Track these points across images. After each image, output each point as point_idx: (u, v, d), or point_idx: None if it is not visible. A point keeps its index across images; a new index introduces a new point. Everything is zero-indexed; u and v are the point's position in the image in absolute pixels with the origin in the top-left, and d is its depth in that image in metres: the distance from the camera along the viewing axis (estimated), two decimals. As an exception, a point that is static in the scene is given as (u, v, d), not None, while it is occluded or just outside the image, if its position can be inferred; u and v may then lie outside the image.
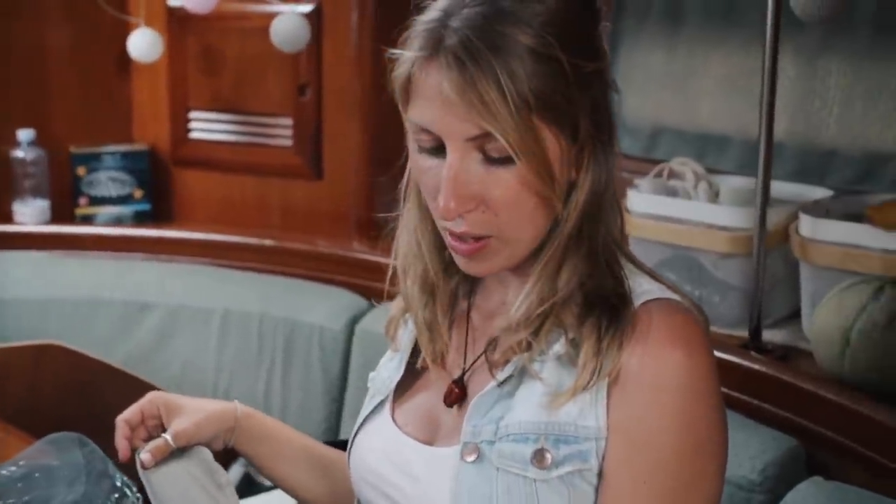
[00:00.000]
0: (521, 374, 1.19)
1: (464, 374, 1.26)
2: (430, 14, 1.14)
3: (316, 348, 2.42)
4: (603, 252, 1.18)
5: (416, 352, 1.32)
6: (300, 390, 2.44)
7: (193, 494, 1.34)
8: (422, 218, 1.26)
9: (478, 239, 1.15)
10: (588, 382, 1.13)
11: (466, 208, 1.13)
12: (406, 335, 1.35)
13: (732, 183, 2.16)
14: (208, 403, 1.43)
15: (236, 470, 2.17)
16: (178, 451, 1.37)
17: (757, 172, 1.87)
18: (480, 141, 1.11)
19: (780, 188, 2.04)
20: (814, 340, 1.77)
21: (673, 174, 2.18)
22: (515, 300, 1.20)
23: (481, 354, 1.25)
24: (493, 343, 1.22)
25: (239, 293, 2.55)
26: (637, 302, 1.17)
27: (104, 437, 1.45)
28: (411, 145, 1.19)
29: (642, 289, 1.18)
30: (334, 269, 2.58)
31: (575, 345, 1.16)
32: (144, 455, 1.35)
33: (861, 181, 2.16)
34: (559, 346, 1.17)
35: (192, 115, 2.82)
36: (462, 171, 1.12)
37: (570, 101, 1.11)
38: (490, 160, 1.12)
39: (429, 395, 1.29)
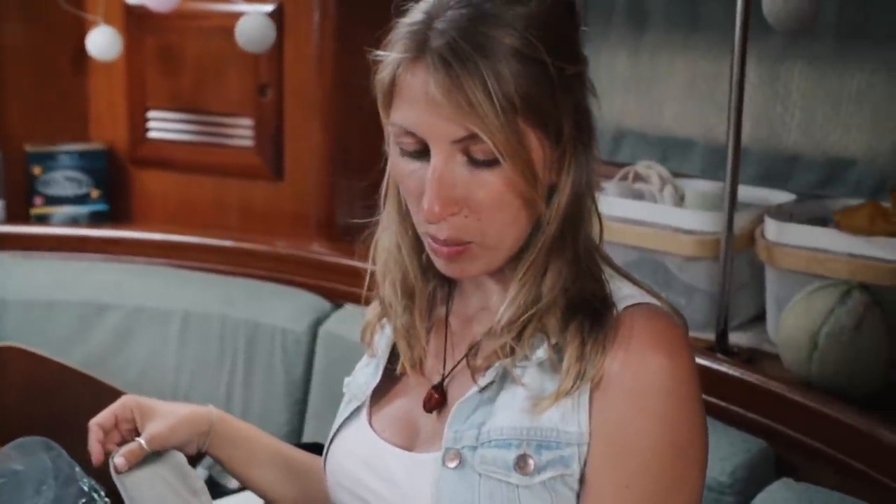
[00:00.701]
0: (503, 379, 1.18)
1: (443, 379, 1.26)
2: (414, 16, 1.14)
3: (278, 350, 2.40)
4: (584, 256, 1.18)
5: (393, 357, 1.32)
6: (262, 393, 2.42)
7: (168, 500, 1.33)
8: (401, 221, 1.26)
9: (459, 243, 1.15)
10: (571, 387, 1.13)
11: (451, 211, 1.12)
12: (383, 340, 1.34)
13: (698, 187, 2.18)
14: (182, 407, 1.42)
15: (200, 472, 2.14)
16: (153, 456, 1.35)
17: (722, 176, 1.88)
18: (465, 143, 1.10)
19: (743, 192, 2.05)
20: (781, 344, 1.78)
21: (638, 177, 2.20)
22: (496, 305, 1.20)
23: (462, 359, 1.24)
24: (474, 347, 1.22)
25: (199, 294, 2.52)
26: (619, 306, 1.17)
27: (66, 438, 1.43)
28: (392, 149, 1.18)
29: (623, 293, 1.19)
30: (295, 271, 2.56)
31: (557, 350, 1.16)
32: (118, 459, 1.33)
33: (823, 185, 2.18)
34: (542, 352, 1.16)
35: (151, 114, 2.79)
36: (447, 173, 1.11)
37: (555, 104, 1.11)
38: (475, 163, 1.11)
39: (407, 401, 1.28)
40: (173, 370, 2.50)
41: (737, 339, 1.96)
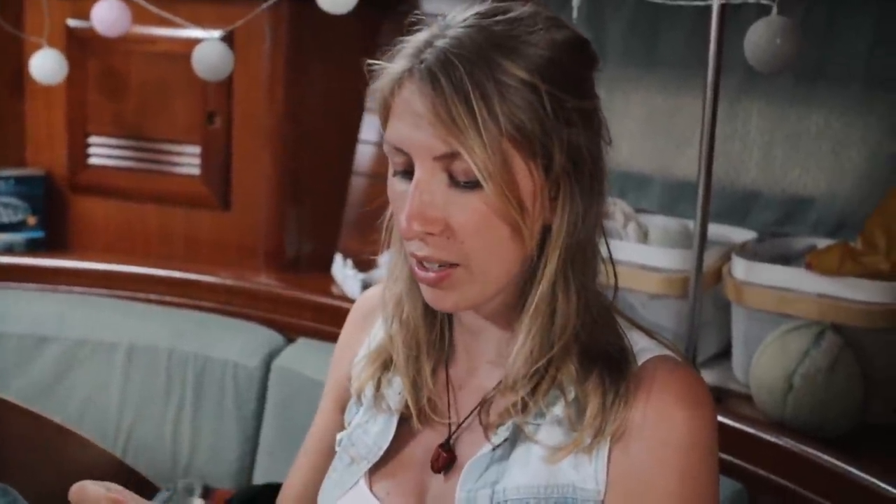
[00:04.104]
0: (516, 436, 1.13)
1: (450, 436, 1.19)
2: (419, 35, 1.11)
3: (230, 385, 2.33)
4: (594, 304, 1.14)
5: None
6: (211, 429, 2.35)
7: None
8: (406, 256, 1.18)
9: (443, 267, 1.09)
10: (591, 442, 1.09)
11: (429, 230, 1.07)
12: (393, 395, 1.24)
13: (659, 223, 2.17)
14: None
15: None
16: None
17: (679, 212, 1.89)
18: (447, 161, 1.06)
19: (703, 229, 2.06)
20: (755, 384, 1.78)
21: (601, 213, 2.18)
22: (501, 357, 1.15)
23: (469, 415, 1.18)
24: (486, 403, 1.16)
25: (146, 327, 2.44)
26: (638, 360, 1.13)
27: (4, 473, 1.41)
28: (389, 171, 1.13)
29: (639, 346, 1.15)
30: (245, 304, 2.50)
31: (575, 405, 1.11)
32: None
33: (782, 223, 2.19)
34: (559, 409, 1.11)
35: (92, 140, 2.71)
36: (427, 191, 1.07)
37: (545, 131, 1.06)
38: (456, 184, 1.07)
39: (412, 461, 1.21)
40: (116, 405, 2.42)
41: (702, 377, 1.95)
